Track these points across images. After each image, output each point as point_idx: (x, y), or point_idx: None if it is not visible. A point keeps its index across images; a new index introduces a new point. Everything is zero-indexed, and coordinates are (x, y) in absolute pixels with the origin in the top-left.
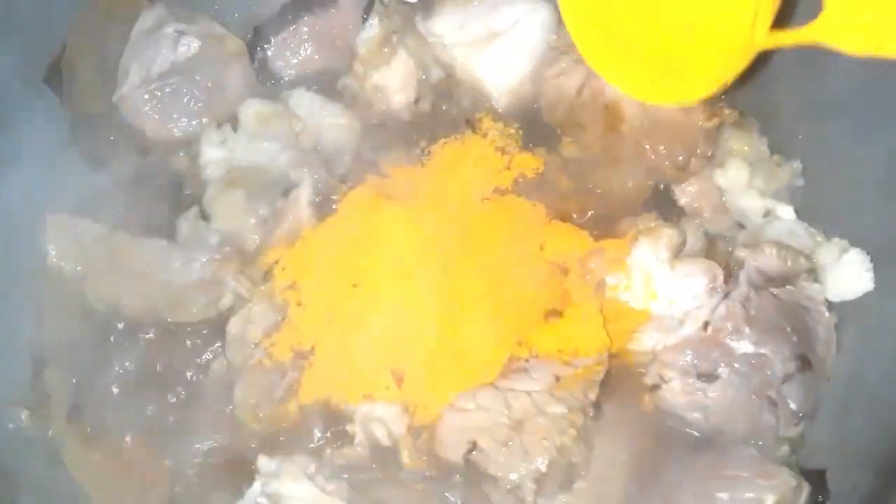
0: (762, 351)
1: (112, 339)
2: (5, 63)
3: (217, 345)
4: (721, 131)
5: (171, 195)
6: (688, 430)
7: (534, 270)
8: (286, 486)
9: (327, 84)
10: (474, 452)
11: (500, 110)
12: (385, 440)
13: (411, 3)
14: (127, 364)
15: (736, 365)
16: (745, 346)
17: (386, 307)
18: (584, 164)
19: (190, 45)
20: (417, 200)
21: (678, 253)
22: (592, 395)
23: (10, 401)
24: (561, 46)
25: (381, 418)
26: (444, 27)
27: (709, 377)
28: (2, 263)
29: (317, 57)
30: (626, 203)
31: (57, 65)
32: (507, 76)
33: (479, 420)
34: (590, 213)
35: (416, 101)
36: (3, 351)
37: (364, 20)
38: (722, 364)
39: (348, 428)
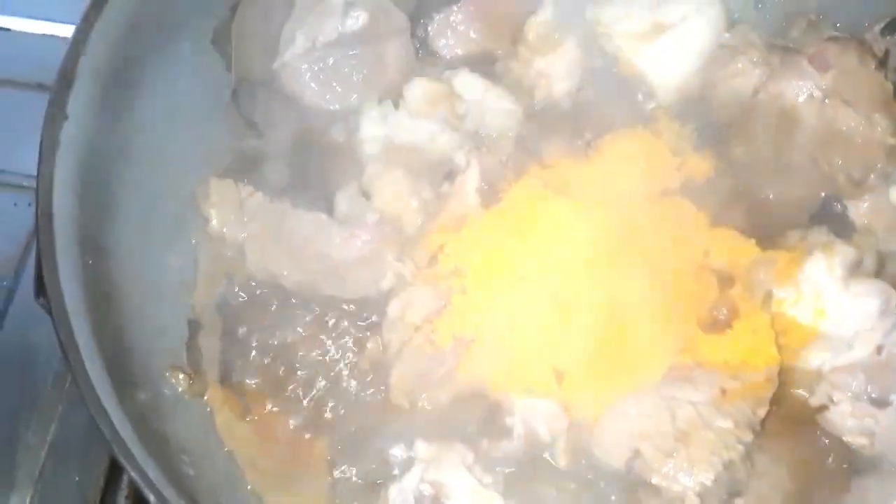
0: None
1: (270, 308)
2: (175, 21)
3: (373, 323)
4: None
5: (330, 168)
6: (851, 453)
7: (699, 276)
8: (447, 474)
9: (487, 66)
10: (637, 459)
11: (664, 104)
12: (545, 436)
13: None
14: (282, 334)
15: None
16: None
17: (550, 302)
18: (753, 170)
19: (358, 18)
20: (584, 196)
21: (853, 271)
22: (762, 413)
23: (167, 364)
24: (737, 46)
25: (541, 413)
26: (612, 16)
27: (879, 403)
28: (162, 225)
29: (479, 38)
30: (793, 214)
31: (225, 27)
32: (672, 72)
33: (642, 427)
34: (755, 222)
35: (580, 90)
36: (160, 313)
37: (533, 6)
38: (894, 391)
39: (507, 420)
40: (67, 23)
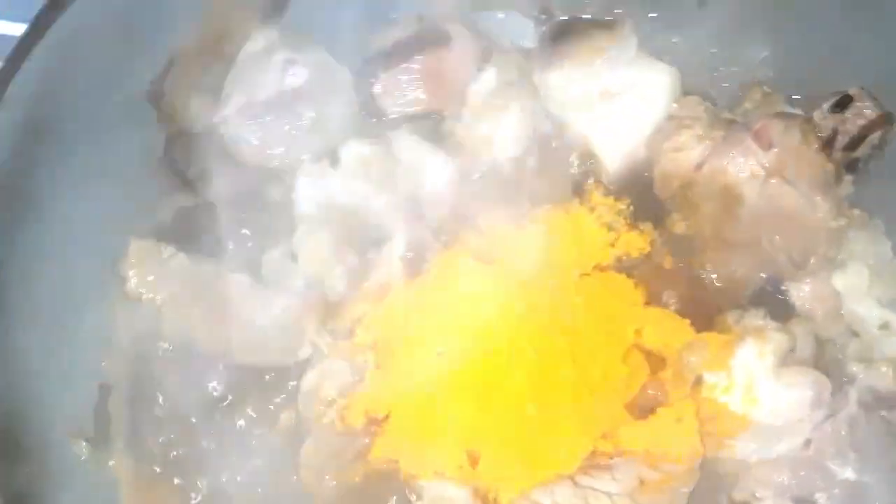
0: (864, 479)
1: (184, 373)
2: (107, 75)
3: (287, 395)
4: (847, 232)
5: (261, 228)
6: None
7: (628, 357)
8: None
9: (431, 127)
10: None
11: (609, 175)
12: None
13: (529, 51)
14: (191, 399)
15: (835, 491)
16: (846, 472)
17: (468, 381)
18: (692, 245)
19: (298, 75)
20: (514, 268)
21: (787, 359)
22: None
23: (71, 430)
24: (683, 118)
25: (451, 499)
26: (560, 82)
27: (804, 502)
28: (77, 284)
29: (424, 97)
30: (733, 294)
31: (161, 80)
32: (619, 141)
33: None
34: (691, 300)
35: (523, 156)
36: (69, 376)
37: (480, 68)
38: (819, 489)
39: (414, 502)
40: None
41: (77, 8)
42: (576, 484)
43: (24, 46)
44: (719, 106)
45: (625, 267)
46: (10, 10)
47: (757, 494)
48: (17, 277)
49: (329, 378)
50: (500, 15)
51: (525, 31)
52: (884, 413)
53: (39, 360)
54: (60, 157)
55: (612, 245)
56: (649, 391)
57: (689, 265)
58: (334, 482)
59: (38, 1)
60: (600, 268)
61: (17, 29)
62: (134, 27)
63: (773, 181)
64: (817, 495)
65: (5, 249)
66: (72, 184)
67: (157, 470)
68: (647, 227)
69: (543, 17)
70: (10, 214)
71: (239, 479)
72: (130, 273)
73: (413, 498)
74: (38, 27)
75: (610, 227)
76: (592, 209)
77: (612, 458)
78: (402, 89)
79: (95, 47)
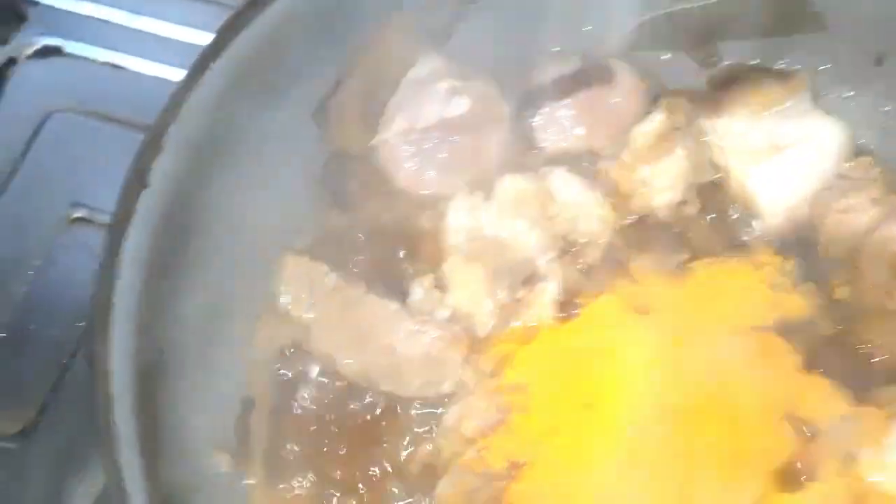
0: None
1: (326, 393)
2: (277, 91)
3: (427, 428)
4: None
5: (410, 256)
6: None
7: (780, 425)
8: None
9: (587, 167)
10: None
11: (770, 230)
12: None
13: (696, 97)
14: (332, 421)
15: None
16: None
17: (613, 437)
18: (854, 314)
19: (460, 105)
20: (669, 321)
21: None
22: None
23: (213, 441)
24: (856, 179)
25: None
26: (727, 129)
27: None
28: (229, 297)
29: (584, 134)
30: (893, 368)
31: (327, 100)
32: (783, 195)
33: None
34: (850, 371)
35: (681, 204)
36: (214, 387)
37: (646, 109)
38: None
39: None
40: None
41: (261, 21)
42: None
43: (207, 57)
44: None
45: (784, 331)
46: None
47: None
48: (171, 292)
49: (471, 416)
50: (666, 56)
51: (690, 74)
52: None
53: (191, 371)
54: (228, 169)
55: (775, 306)
56: (798, 463)
57: (849, 334)
58: None
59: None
60: (758, 329)
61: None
62: (309, 45)
63: None
64: None
65: (174, 256)
66: (238, 195)
67: (292, 488)
68: (810, 289)
69: (712, 58)
70: (178, 233)
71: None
72: (283, 288)
73: None
74: (221, 40)
75: (774, 287)
76: (758, 267)
77: None
78: (562, 125)
79: (271, 63)
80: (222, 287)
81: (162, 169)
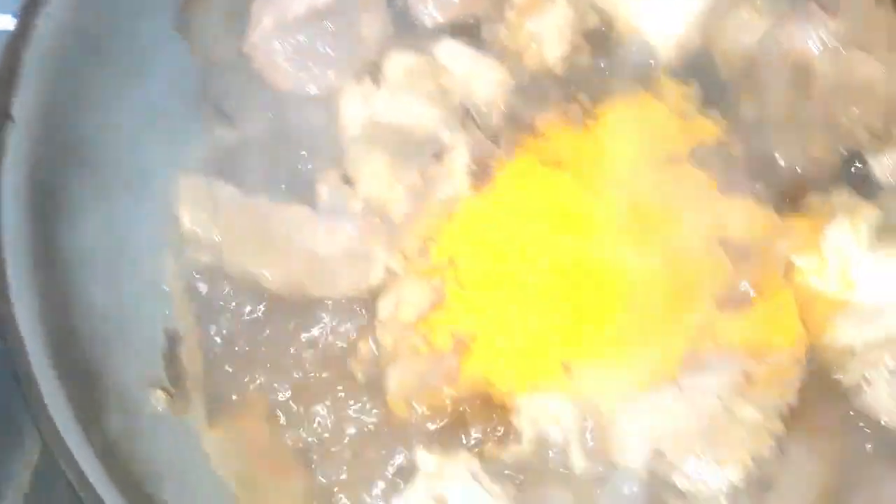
0: None
1: (253, 313)
2: (131, 6)
3: (364, 324)
4: None
5: (310, 156)
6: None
7: (713, 251)
8: (452, 486)
9: (471, 33)
10: (658, 460)
11: (663, 62)
12: (557, 437)
13: None
14: (267, 340)
15: None
16: None
17: (555, 289)
18: (765, 130)
19: None
20: (584, 169)
21: (882, 234)
22: (790, 398)
23: (145, 380)
24: None
25: (550, 411)
26: None
27: None
28: (135, 230)
29: (461, 2)
30: (812, 176)
31: (187, 9)
32: (671, 25)
33: (661, 423)
34: (770, 187)
35: (573, 53)
36: (136, 325)
37: None
38: None
39: (514, 422)
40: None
41: None
42: (680, 386)
43: None
44: None
45: (698, 158)
46: None
47: (868, 378)
48: (68, 229)
49: (407, 300)
50: None
51: None
52: None
53: (104, 311)
54: (95, 91)
55: (685, 134)
56: (740, 284)
57: (763, 150)
58: (426, 409)
59: None
60: (673, 160)
61: None
62: None
63: (844, 49)
64: None
65: (55, 202)
66: (114, 119)
67: (236, 418)
68: (716, 113)
69: None
70: (57, 167)
71: (326, 413)
72: (183, 212)
73: (513, 418)
74: None
75: (680, 115)
76: (659, 96)
77: (712, 355)
78: None
79: None
80: (122, 218)
81: (24, 101)
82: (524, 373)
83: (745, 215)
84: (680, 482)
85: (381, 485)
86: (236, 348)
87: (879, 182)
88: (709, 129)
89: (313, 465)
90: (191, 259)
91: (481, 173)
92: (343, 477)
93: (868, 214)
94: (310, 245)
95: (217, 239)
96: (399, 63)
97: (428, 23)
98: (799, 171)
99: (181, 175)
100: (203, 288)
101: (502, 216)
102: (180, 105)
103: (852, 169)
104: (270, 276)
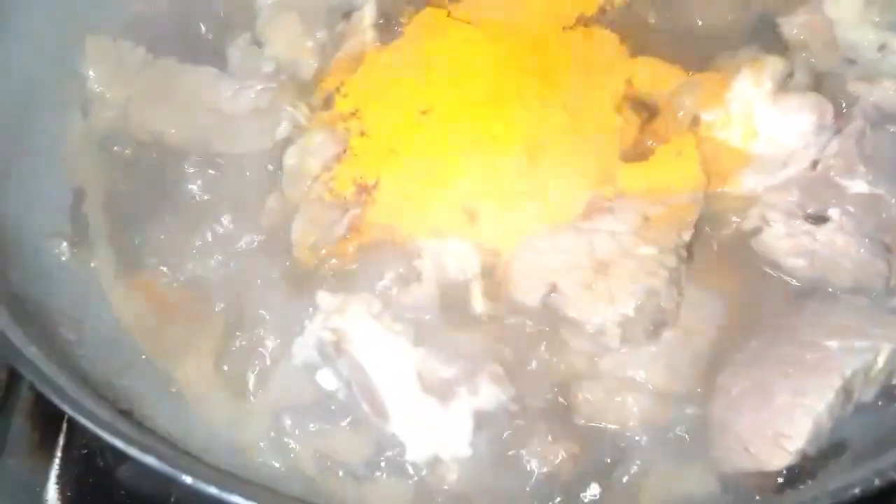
0: (878, 191)
1: (157, 169)
2: None
3: (271, 178)
4: None
5: (221, 20)
6: (790, 278)
7: (620, 107)
8: (350, 322)
9: None
10: (553, 295)
11: None
12: (457, 275)
13: None
14: (172, 195)
15: (848, 206)
16: (858, 186)
17: (458, 137)
18: None
19: None
20: (493, 24)
21: (783, 85)
22: (686, 236)
23: (50, 232)
24: None
25: (452, 254)
26: None
27: (817, 219)
28: (39, 88)
29: None
30: (724, 37)
31: None
32: None
33: (558, 261)
34: (682, 48)
35: None
36: (40, 181)
37: None
38: (832, 205)
39: (416, 264)
40: None
41: None
42: (578, 229)
43: None
44: None
45: (609, 20)
46: None
47: (768, 219)
48: None
49: (311, 152)
50: None
51: None
52: (891, 128)
53: (7, 168)
54: None
55: None
56: (648, 140)
57: (675, 15)
58: (330, 257)
59: None
60: (584, 22)
61: None
62: None
63: None
64: (830, 210)
65: None
66: None
67: (136, 267)
68: None
69: None
70: None
71: (232, 265)
72: (90, 72)
73: (415, 261)
74: None
75: None
76: None
77: (615, 201)
78: None
79: None
80: (29, 76)
81: None
82: (426, 217)
83: (652, 74)
84: (574, 314)
85: (286, 328)
86: (143, 204)
87: (788, 42)
88: None
89: (220, 313)
90: (97, 117)
91: (388, 28)
92: (249, 323)
93: (772, 64)
94: (216, 104)
95: (123, 98)
96: None
97: None
98: (713, 32)
99: (89, 36)
100: (110, 145)
101: (406, 68)
102: None
103: (764, 30)
104: (175, 132)
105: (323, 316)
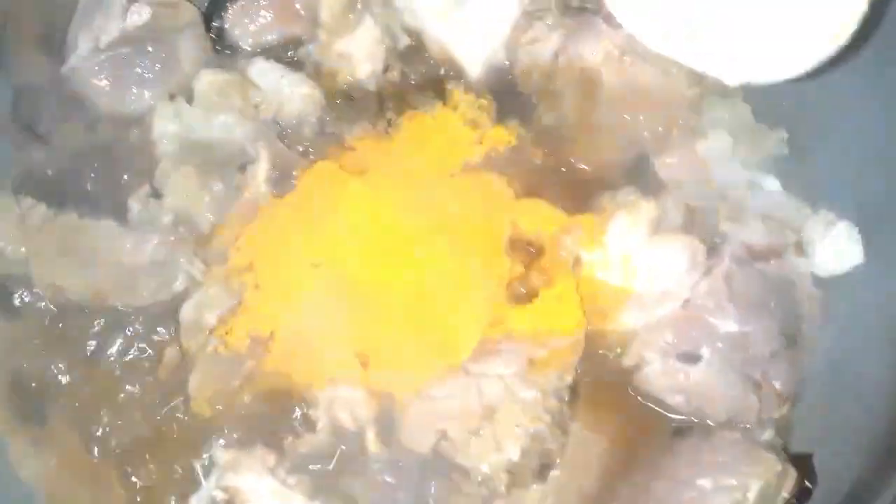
0: (746, 329)
1: (59, 324)
2: None
3: (170, 330)
4: (704, 99)
5: (122, 174)
6: (669, 413)
7: (506, 248)
8: (244, 479)
9: (288, 54)
10: (443, 442)
11: (472, 80)
12: (350, 424)
13: None
14: (73, 351)
15: (718, 344)
16: (728, 325)
17: (349, 287)
18: (560, 135)
19: (141, 13)
20: (384, 175)
21: (657, 227)
22: (568, 378)
23: None
24: (535, 11)
25: (345, 401)
26: None
27: (690, 357)
28: None
29: (276, 25)
30: (604, 177)
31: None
32: (478, 44)
33: (449, 407)
34: (566, 188)
35: (384, 70)
36: None
37: None
38: (704, 344)
39: (310, 413)
40: None
41: None
42: (468, 373)
43: None
44: None
45: (495, 164)
46: None
47: (645, 357)
48: None
49: (207, 306)
50: None
51: None
52: (758, 265)
53: None
54: None
55: (479, 142)
56: (533, 280)
57: (559, 156)
58: (226, 409)
59: None
60: (470, 167)
61: None
62: None
63: (627, 59)
64: (703, 350)
65: None
66: None
67: (38, 427)
68: (514, 122)
69: None
70: None
71: (136, 415)
72: None
73: (310, 411)
74: None
75: (474, 125)
76: (455, 108)
77: (500, 342)
78: (252, 18)
79: None
80: None
81: None
82: (319, 366)
83: (537, 216)
84: (462, 461)
85: (184, 485)
86: (43, 356)
87: (663, 181)
88: (502, 137)
89: (123, 471)
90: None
91: (282, 181)
92: (152, 479)
93: (645, 209)
94: (116, 257)
95: (24, 253)
96: (208, 80)
97: (246, 45)
98: (594, 174)
99: None
100: (12, 298)
101: (300, 219)
102: None
103: (642, 169)
104: (74, 287)
105: (218, 473)
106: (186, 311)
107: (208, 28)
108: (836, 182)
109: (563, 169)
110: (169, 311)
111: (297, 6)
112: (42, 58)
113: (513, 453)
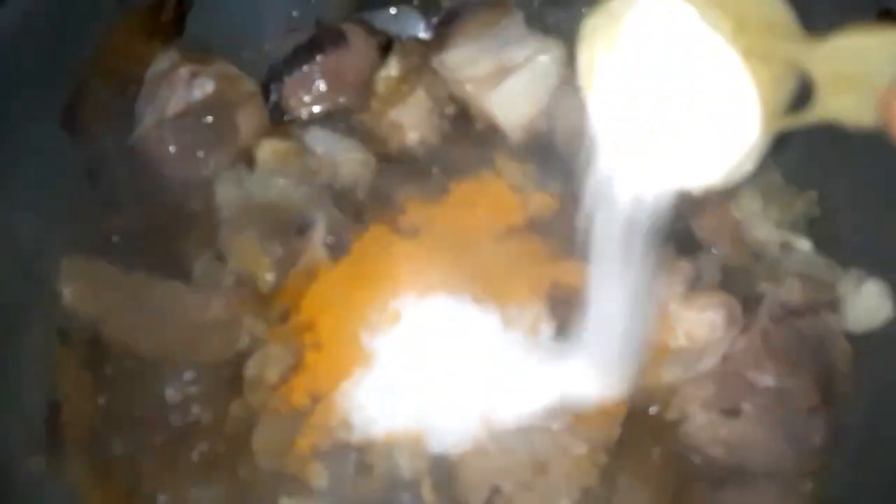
0: (784, 385)
1: (127, 380)
2: (18, 105)
3: (234, 387)
4: None
5: (186, 236)
6: (710, 465)
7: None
8: None
9: (342, 122)
10: (497, 496)
11: (514, 145)
12: (406, 473)
13: (426, 42)
14: (141, 404)
15: (758, 399)
16: (766, 380)
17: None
18: None
19: (204, 86)
20: (433, 238)
21: (693, 286)
22: (615, 434)
23: (25, 446)
24: (574, 81)
25: (402, 449)
26: (456, 61)
27: (731, 412)
28: (16, 309)
29: (330, 95)
30: None
31: (72, 106)
32: (519, 112)
33: (501, 461)
34: None
35: (432, 137)
36: (17, 395)
37: (382, 59)
38: (744, 398)
39: (366, 459)
40: None
41: None
42: (520, 426)
43: None
44: None
45: (538, 227)
46: None
47: (686, 412)
48: None
49: (269, 363)
50: (392, 11)
51: (418, 24)
52: (795, 322)
53: None
54: None
55: (523, 207)
56: None
57: None
58: (288, 462)
59: None
60: (514, 230)
61: None
62: (43, 53)
63: None
64: (743, 404)
65: None
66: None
67: (118, 479)
68: (556, 186)
69: (434, 5)
70: None
71: (202, 471)
72: (65, 289)
73: (365, 457)
74: None
75: (517, 190)
76: (499, 174)
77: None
78: (308, 89)
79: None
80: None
81: None
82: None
83: (571, 274)
84: None
85: None
86: (119, 414)
87: (700, 240)
88: (545, 201)
89: None
90: (71, 331)
91: (338, 245)
92: None
93: (683, 269)
94: (182, 317)
95: (94, 312)
96: (270, 148)
97: (302, 115)
98: None
99: (63, 257)
100: (82, 356)
101: (357, 280)
102: (65, 195)
103: (678, 228)
104: (143, 344)
105: None
106: (250, 368)
107: (266, 99)
108: (867, 239)
109: None
110: (233, 368)
111: (349, 78)
112: (112, 129)
113: None
